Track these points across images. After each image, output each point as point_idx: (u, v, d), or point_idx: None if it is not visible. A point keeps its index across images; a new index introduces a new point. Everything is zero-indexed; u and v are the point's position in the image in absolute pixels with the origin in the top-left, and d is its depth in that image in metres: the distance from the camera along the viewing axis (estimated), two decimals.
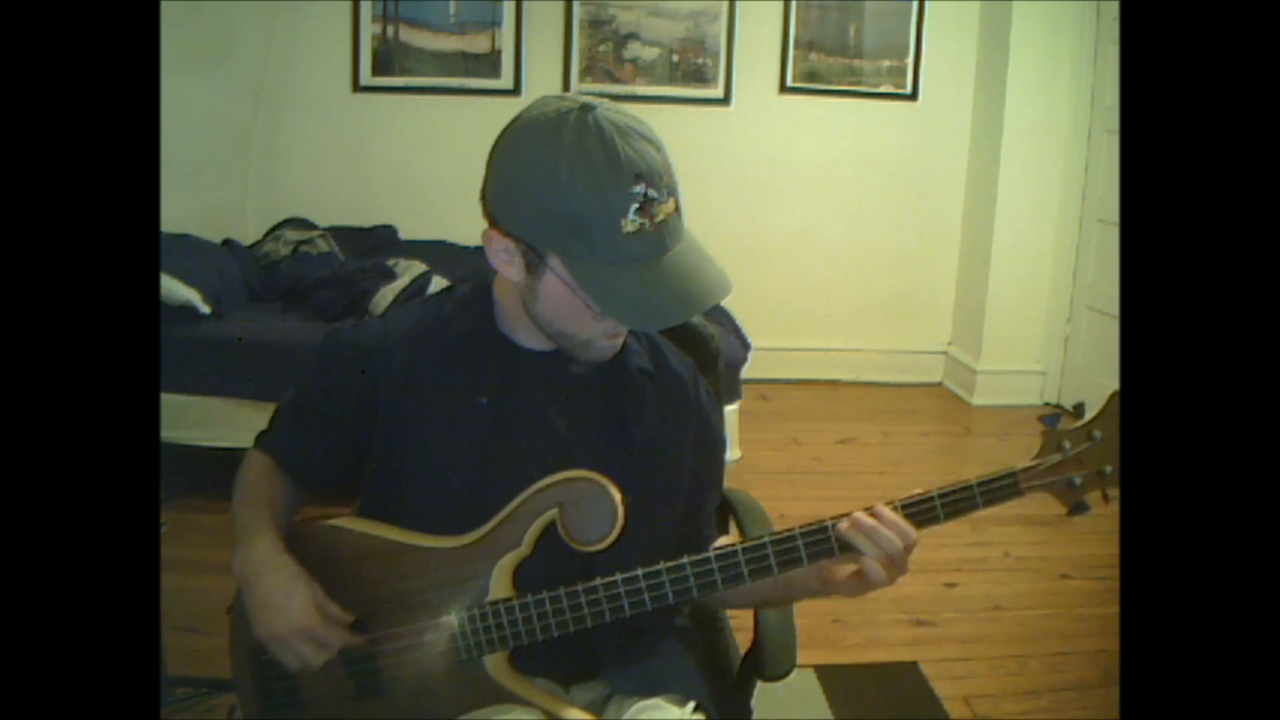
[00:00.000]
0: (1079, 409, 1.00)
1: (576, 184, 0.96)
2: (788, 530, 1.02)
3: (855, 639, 2.37)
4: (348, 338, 1.17)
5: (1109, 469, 0.99)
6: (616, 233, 0.97)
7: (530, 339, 1.13)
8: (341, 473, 1.19)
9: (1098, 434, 0.99)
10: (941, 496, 1.00)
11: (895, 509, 1.00)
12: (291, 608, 1.03)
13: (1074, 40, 3.93)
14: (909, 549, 1.00)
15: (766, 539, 1.02)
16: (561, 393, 1.13)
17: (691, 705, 1.12)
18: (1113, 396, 0.98)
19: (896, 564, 1.00)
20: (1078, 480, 0.99)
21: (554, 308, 1.05)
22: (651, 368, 1.18)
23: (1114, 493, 0.99)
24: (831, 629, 2.38)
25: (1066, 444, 0.99)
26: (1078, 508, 1.00)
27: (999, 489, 1.00)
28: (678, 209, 1.01)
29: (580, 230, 0.97)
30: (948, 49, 4.20)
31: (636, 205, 0.97)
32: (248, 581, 1.05)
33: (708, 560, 1.02)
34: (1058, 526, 2.94)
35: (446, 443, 1.11)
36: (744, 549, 1.02)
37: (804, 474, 3.43)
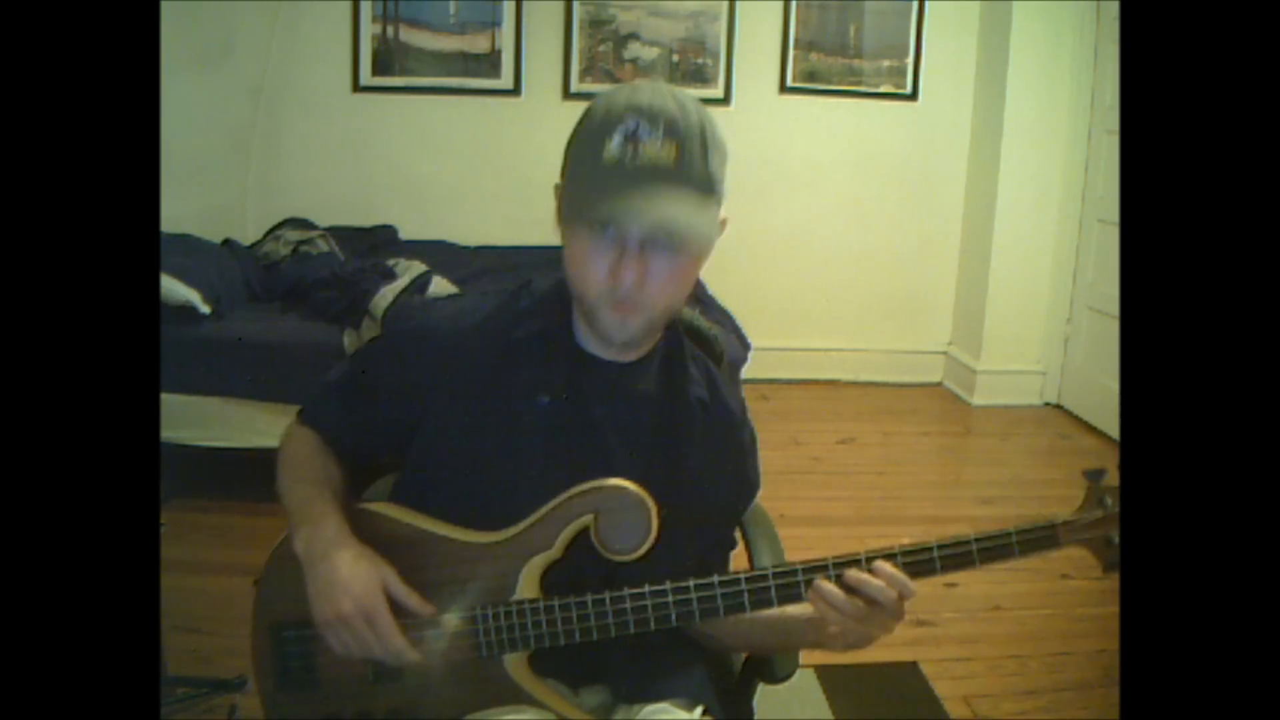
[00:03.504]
0: None
1: (587, 121, 1.02)
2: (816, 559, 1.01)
3: None
4: (417, 319, 1.17)
5: None
6: (598, 159, 0.99)
7: (600, 347, 1.12)
8: (384, 453, 1.18)
9: None
10: (978, 542, 0.98)
11: (928, 553, 0.98)
12: (356, 584, 1.00)
13: (1074, 40, 3.93)
14: (895, 601, 0.97)
15: (799, 567, 1.00)
16: (620, 406, 1.12)
17: (700, 710, 1.11)
18: None
19: (876, 621, 0.98)
20: (1116, 538, 0.97)
21: (567, 259, 1.06)
22: (709, 399, 1.16)
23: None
24: None
25: (1108, 500, 0.98)
26: (1113, 565, 0.98)
27: (1037, 539, 0.98)
28: (680, 156, 1.00)
29: (574, 160, 1.03)
30: (948, 49, 4.20)
31: (623, 134, 0.98)
32: (313, 561, 1.03)
33: (737, 581, 1.01)
34: None
35: (497, 438, 1.10)
36: (774, 573, 1.01)
37: (804, 474, 3.43)
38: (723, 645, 1.22)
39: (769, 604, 1.01)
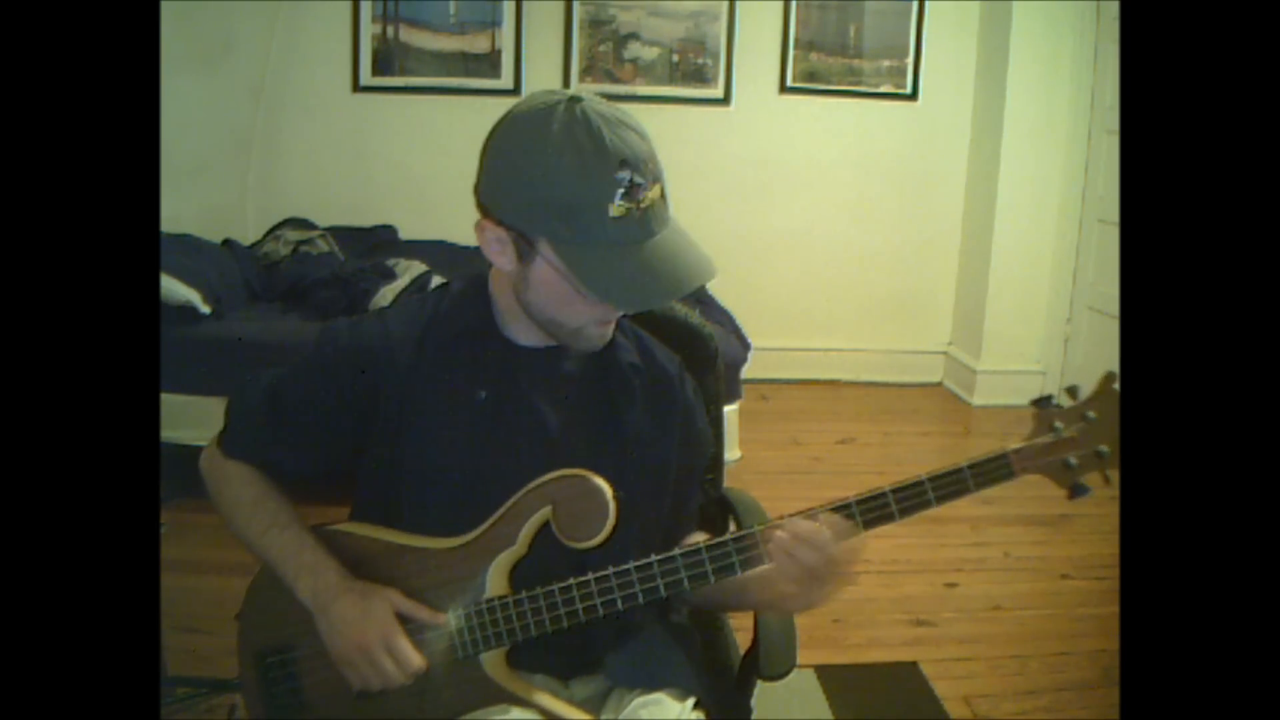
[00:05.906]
0: (1073, 391, 0.99)
1: (565, 171, 0.98)
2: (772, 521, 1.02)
3: (855, 639, 2.37)
4: (346, 336, 1.16)
5: (1106, 449, 0.96)
6: (604, 216, 0.99)
7: (525, 335, 1.14)
8: (326, 477, 1.17)
9: (1092, 414, 0.97)
10: (932, 480, 0.99)
11: (883, 499, 0.99)
12: (373, 621, 1.04)
13: (1074, 40, 3.93)
14: (839, 558, 0.99)
15: (756, 530, 1.02)
16: (554, 389, 1.14)
17: (691, 701, 1.12)
18: (1106, 377, 0.96)
19: (821, 577, 0.99)
20: (1073, 461, 0.97)
21: (545, 295, 1.06)
22: (640, 363, 1.18)
23: (1114, 474, 0.96)
24: (831, 629, 2.38)
25: (1059, 425, 0.98)
26: (1076, 490, 0.98)
27: (991, 471, 0.98)
28: (663, 195, 1.03)
29: (569, 215, 0.99)
30: (948, 49, 4.20)
31: (622, 190, 0.99)
32: (325, 607, 1.06)
33: (698, 552, 1.02)
34: (1058, 526, 2.95)
35: (446, 441, 1.11)
36: (732, 539, 1.02)
37: (804, 474, 3.43)
38: (688, 604, 1.25)
39: (731, 571, 1.02)
